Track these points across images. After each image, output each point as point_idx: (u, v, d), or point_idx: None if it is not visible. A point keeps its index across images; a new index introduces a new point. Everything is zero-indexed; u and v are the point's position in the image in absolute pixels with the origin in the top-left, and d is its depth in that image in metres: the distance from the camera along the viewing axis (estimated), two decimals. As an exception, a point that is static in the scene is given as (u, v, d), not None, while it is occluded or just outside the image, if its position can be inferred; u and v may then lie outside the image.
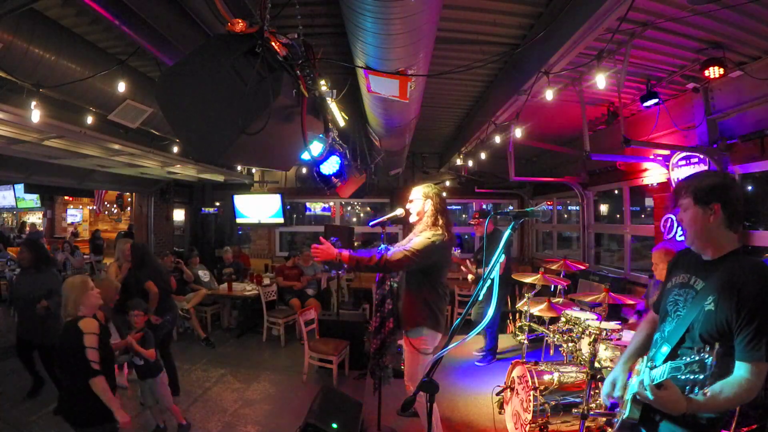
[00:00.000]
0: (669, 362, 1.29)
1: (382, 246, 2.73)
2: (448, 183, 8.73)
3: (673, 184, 4.38)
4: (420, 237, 2.62)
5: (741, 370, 1.30)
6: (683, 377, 1.22)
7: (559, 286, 4.22)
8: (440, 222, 2.66)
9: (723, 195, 1.44)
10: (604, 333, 2.84)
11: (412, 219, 2.81)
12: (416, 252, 2.51)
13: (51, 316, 3.44)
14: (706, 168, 3.95)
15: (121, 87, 3.78)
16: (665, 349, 1.46)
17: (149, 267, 4.00)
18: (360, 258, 2.48)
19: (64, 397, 2.31)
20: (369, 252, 2.56)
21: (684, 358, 1.24)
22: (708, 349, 1.20)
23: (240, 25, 1.69)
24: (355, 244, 7.81)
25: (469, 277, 4.89)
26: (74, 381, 2.24)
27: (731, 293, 1.33)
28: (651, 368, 1.38)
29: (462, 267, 4.84)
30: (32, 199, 12.92)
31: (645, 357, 1.54)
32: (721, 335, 1.34)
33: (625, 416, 1.49)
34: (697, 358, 1.20)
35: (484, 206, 9.34)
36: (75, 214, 15.69)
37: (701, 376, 1.18)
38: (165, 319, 3.83)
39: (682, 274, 1.57)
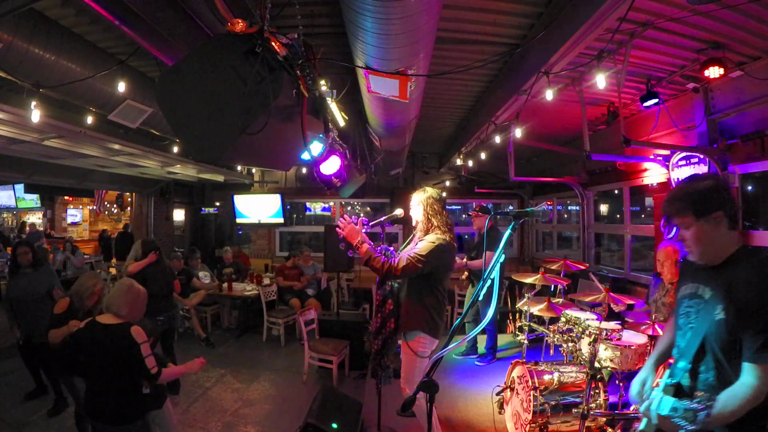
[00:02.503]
0: (673, 400, 1.28)
1: (383, 246, 2.73)
2: (448, 183, 8.74)
3: (674, 184, 4.37)
4: (423, 242, 2.63)
5: (748, 375, 1.25)
6: (676, 419, 1.23)
7: (559, 286, 4.22)
8: (434, 224, 2.67)
9: (720, 199, 1.37)
10: (604, 333, 2.84)
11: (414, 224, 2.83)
12: (421, 257, 2.52)
13: (47, 314, 3.39)
14: (705, 168, 3.94)
15: (121, 87, 3.78)
16: (683, 365, 1.43)
17: (154, 264, 4.11)
18: (372, 258, 2.51)
19: (93, 396, 2.25)
20: (377, 250, 2.59)
21: (687, 399, 1.24)
22: (709, 400, 1.20)
23: (240, 25, 1.69)
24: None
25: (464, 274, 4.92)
26: (112, 380, 2.21)
27: (739, 295, 1.29)
28: (668, 389, 1.37)
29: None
30: (32, 199, 12.92)
31: (669, 369, 1.50)
32: (735, 342, 1.29)
33: (641, 429, 1.47)
34: (694, 406, 1.20)
35: (485, 206, 9.34)
36: (75, 214, 15.67)
37: (690, 427, 1.19)
38: (159, 319, 3.83)
39: (690, 284, 1.51)
